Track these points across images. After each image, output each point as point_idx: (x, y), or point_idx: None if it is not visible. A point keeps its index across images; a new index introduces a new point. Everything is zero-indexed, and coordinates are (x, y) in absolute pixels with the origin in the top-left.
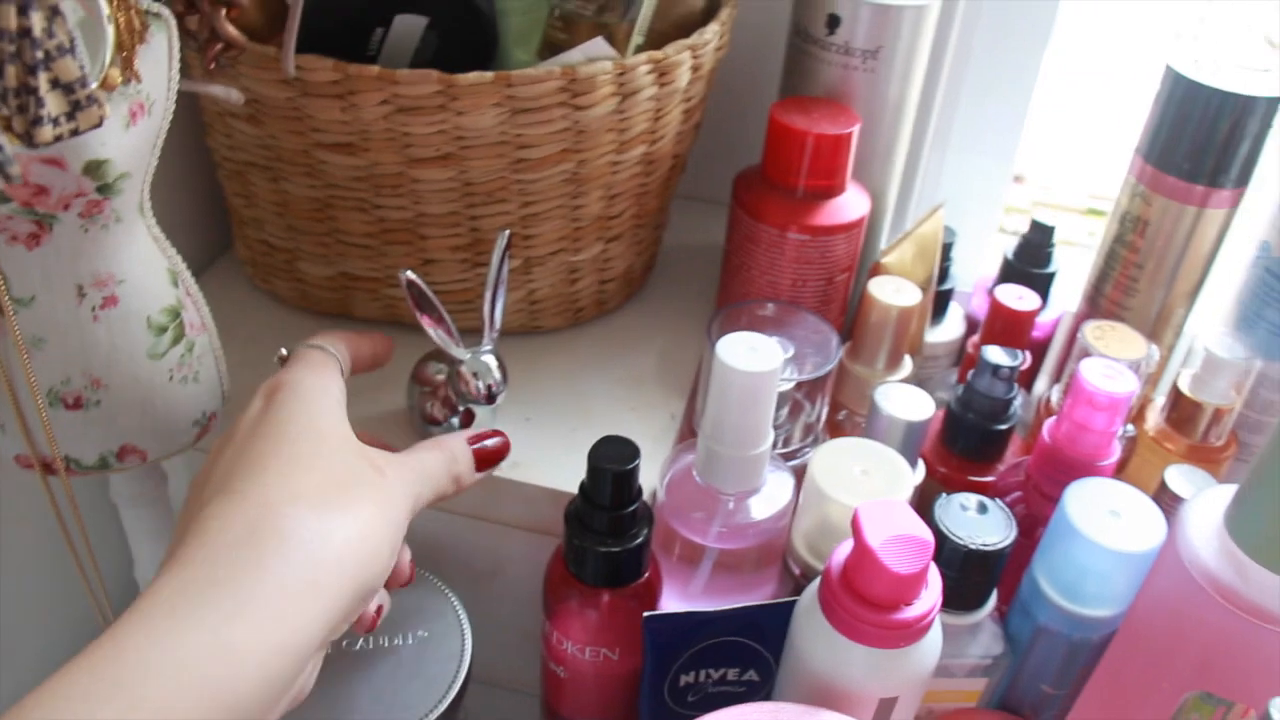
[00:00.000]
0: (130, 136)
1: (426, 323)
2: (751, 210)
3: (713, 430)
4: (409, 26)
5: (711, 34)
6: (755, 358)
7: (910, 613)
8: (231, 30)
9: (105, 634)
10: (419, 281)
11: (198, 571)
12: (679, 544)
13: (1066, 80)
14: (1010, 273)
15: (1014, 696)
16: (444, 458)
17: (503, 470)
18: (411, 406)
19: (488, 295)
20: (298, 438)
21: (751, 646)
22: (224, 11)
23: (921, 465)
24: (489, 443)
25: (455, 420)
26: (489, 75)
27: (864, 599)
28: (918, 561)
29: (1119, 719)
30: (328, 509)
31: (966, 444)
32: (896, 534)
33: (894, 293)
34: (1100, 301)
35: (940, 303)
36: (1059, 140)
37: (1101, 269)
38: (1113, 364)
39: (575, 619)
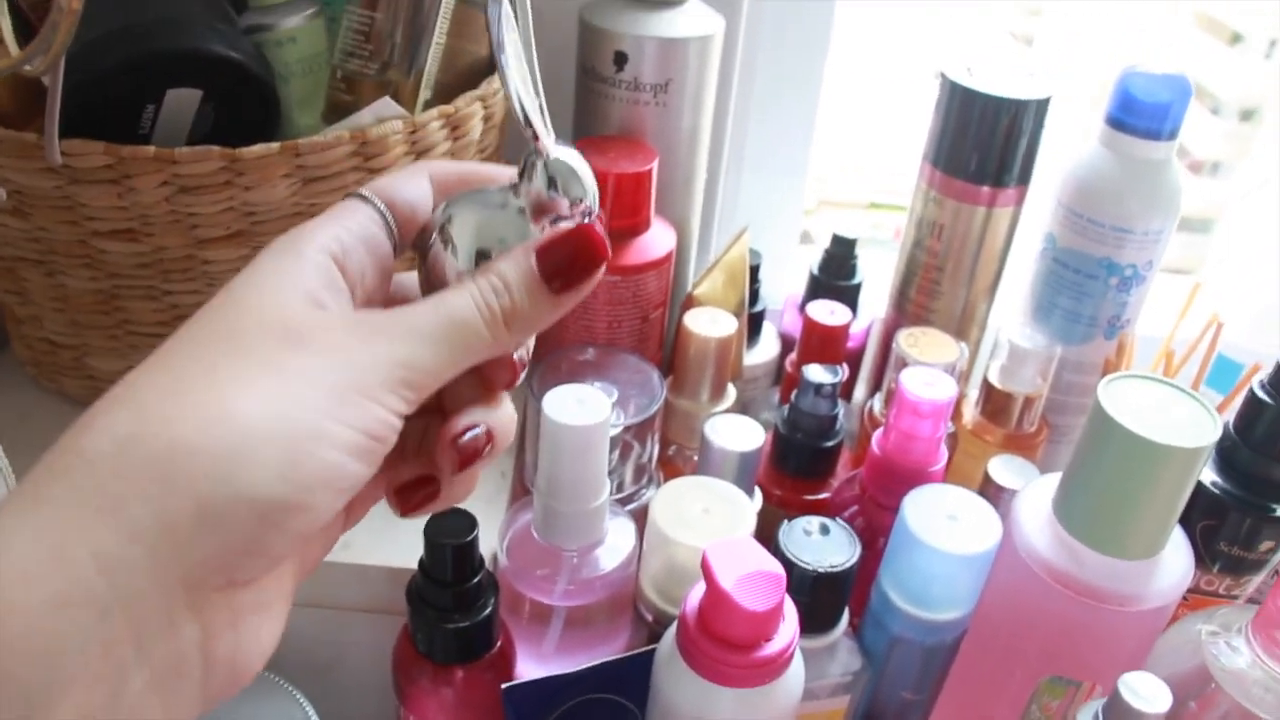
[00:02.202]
0: None
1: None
2: None
3: (548, 487)
4: (183, 101)
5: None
6: (583, 410)
7: (772, 648)
8: None
9: None
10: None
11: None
12: (527, 605)
13: (843, 81)
14: (818, 288)
15: (877, 708)
16: (475, 294)
17: (334, 553)
18: None
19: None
20: (214, 335)
21: (616, 701)
22: None
23: (759, 493)
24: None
25: None
26: (275, 146)
27: (724, 641)
28: (772, 597)
29: (979, 713)
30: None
31: (798, 464)
32: (747, 572)
33: (710, 323)
34: (907, 306)
35: (754, 324)
36: (839, 138)
37: (905, 274)
38: (930, 370)
39: (430, 700)
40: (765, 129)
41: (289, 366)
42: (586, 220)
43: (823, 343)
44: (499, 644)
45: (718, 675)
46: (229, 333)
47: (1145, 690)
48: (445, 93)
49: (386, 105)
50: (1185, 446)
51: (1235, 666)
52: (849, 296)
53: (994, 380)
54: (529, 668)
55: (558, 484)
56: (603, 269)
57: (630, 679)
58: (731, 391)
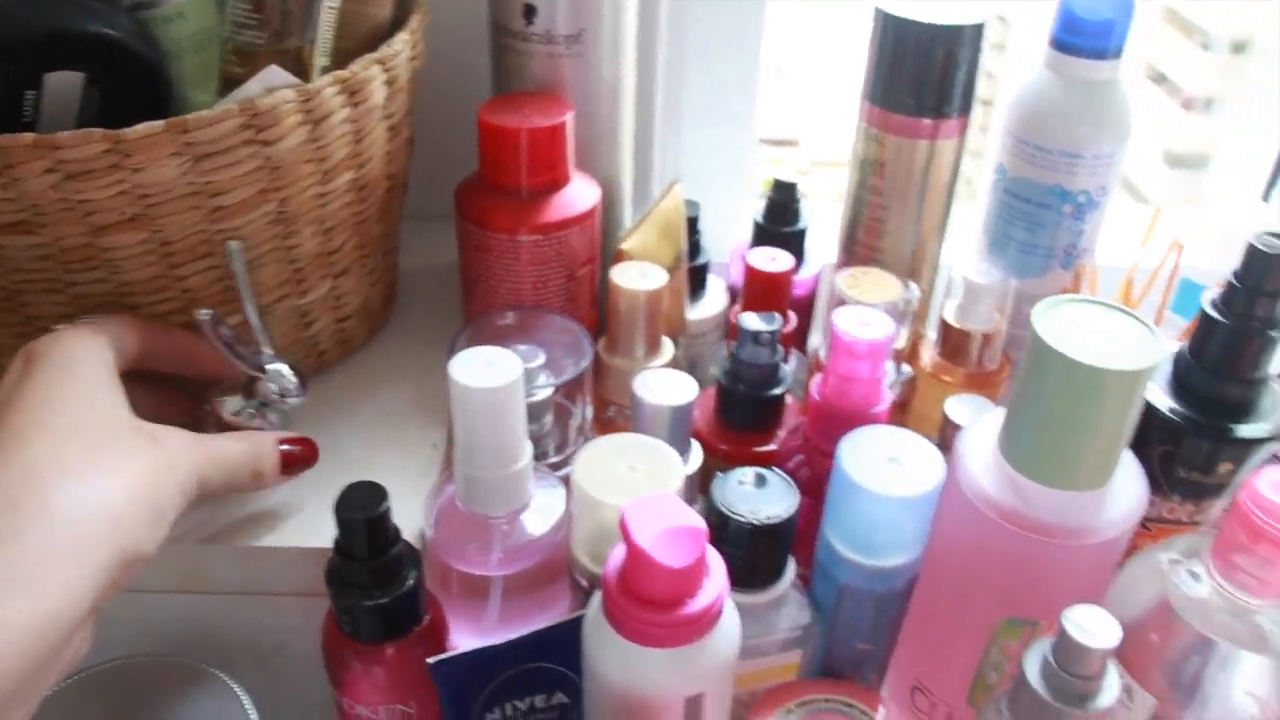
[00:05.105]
0: None
1: (230, 355)
2: (477, 219)
3: (466, 455)
4: (64, 85)
5: (401, 44)
6: (493, 372)
7: (696, 605)
8: None
9: None
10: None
11: None
12: (460, 579)
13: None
14: (763, 236)
15: (832, 660)
16: (247, 450)
17: (261, 537)
18: None
19: (250, 311)
20: (63, 408)
21: (552, 669)
22: None
23: (698, 449)
24: (296, 448)
25: None
26: (160, 124)
27: (646, 601)
28: (692, 553)
29: (937, 660)
30: (93, 473)
31: (742, 416)
32: (666, 528)
33: (639, 277)
34: (855, 249)
35: (697, 278)
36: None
37: (851, 217)
38: (867, 310)
39: (362, 681)
40: (705, 81)
41: None
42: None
43: (766, 290)
44: (428, 618)
45: (643, 636)
46: None
47: (1091, 624)
48: (348, 60)
49: (274, 74)
50: (1125, 369)
51: (1196, 595)
52: (794, 243)
53: (950, 319)
54: (465, 643)
55: (475, 450)
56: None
57: (566, 646)
58: (668, 347)
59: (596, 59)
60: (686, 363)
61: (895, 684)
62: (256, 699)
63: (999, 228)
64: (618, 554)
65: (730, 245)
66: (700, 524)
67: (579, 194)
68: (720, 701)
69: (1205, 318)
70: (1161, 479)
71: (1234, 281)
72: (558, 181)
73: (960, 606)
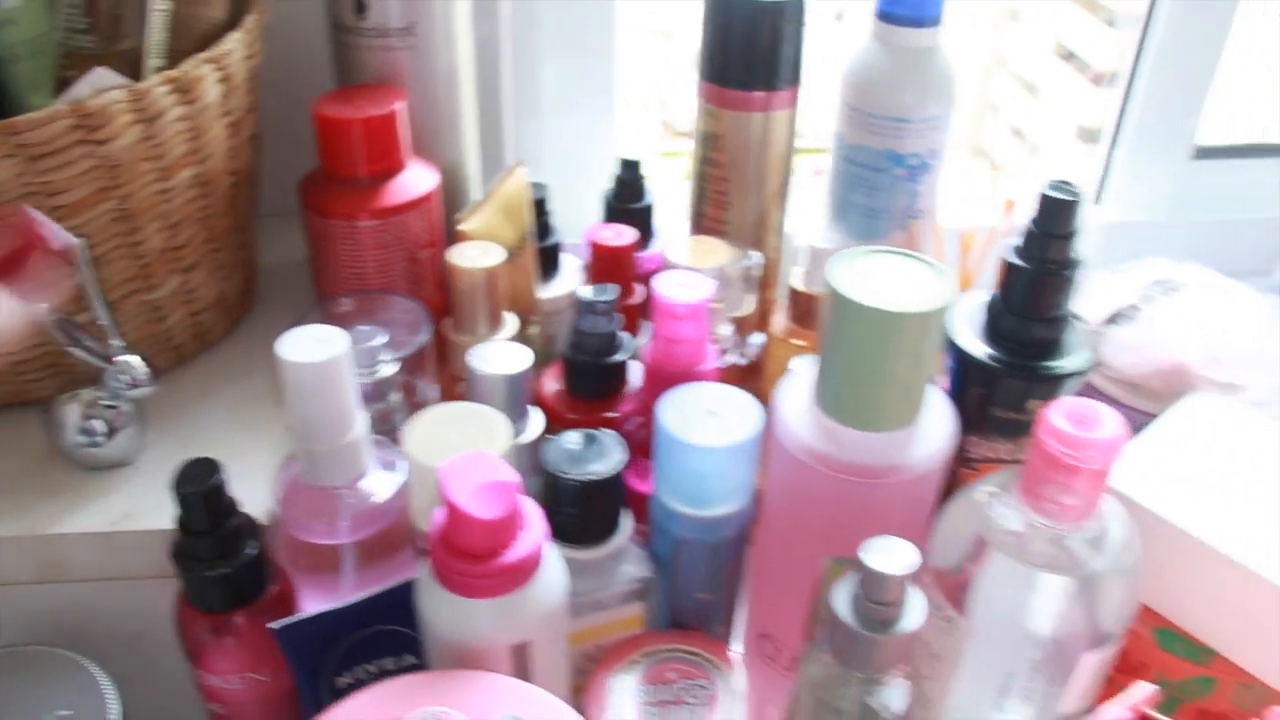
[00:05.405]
0: None
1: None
2: (319, 208)
3: (303, 429)
4: None
5: (235, 43)
6: (320, 348)
7: (512, 555)
8: None
9: None
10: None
11: None
12: (310, 552)
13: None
14: (613, 214)
15: (677, 612)
16: None
17: (118, 523)
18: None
19: (97, 306)
20: None
21: (399, 632)
22: None
23: (539, 416)
24: None
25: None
26: None
27: (465, 554)
28: (504, 505)
29: (778, 607)
30: None
31: (586, 385)
32: (480, 484)
33: (476, 256)
34: (703, 222)
35: (549, 258)
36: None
37: (697, 191)
38: (687, 274)
39: (215, 652)
40: (560, 69)
41: None
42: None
43: (611, 265)
44: (276, 587)
45: (464, 588)
46: None
47: (888, 552)
48: (183, 60)
49: (102, 76)
50: (916, 312)
51: (1010, 526)
52: (642, 219)
53: (797, 284)
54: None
55: (309, 424)
56: None
57: (404, 608)
58: (510, 322)
59: (431, 50)
60: (544, 339)
61: (747, 634)
62: (123, 685)
63: (841, 194)
64: (440, 513)
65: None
66: (513, 478)
67: (416, 180)
68: (550, 650)
69: (1008, 265)
70: (981, 421)
71: (1031, 228)
72: (393, 168)
73: (791, 552)
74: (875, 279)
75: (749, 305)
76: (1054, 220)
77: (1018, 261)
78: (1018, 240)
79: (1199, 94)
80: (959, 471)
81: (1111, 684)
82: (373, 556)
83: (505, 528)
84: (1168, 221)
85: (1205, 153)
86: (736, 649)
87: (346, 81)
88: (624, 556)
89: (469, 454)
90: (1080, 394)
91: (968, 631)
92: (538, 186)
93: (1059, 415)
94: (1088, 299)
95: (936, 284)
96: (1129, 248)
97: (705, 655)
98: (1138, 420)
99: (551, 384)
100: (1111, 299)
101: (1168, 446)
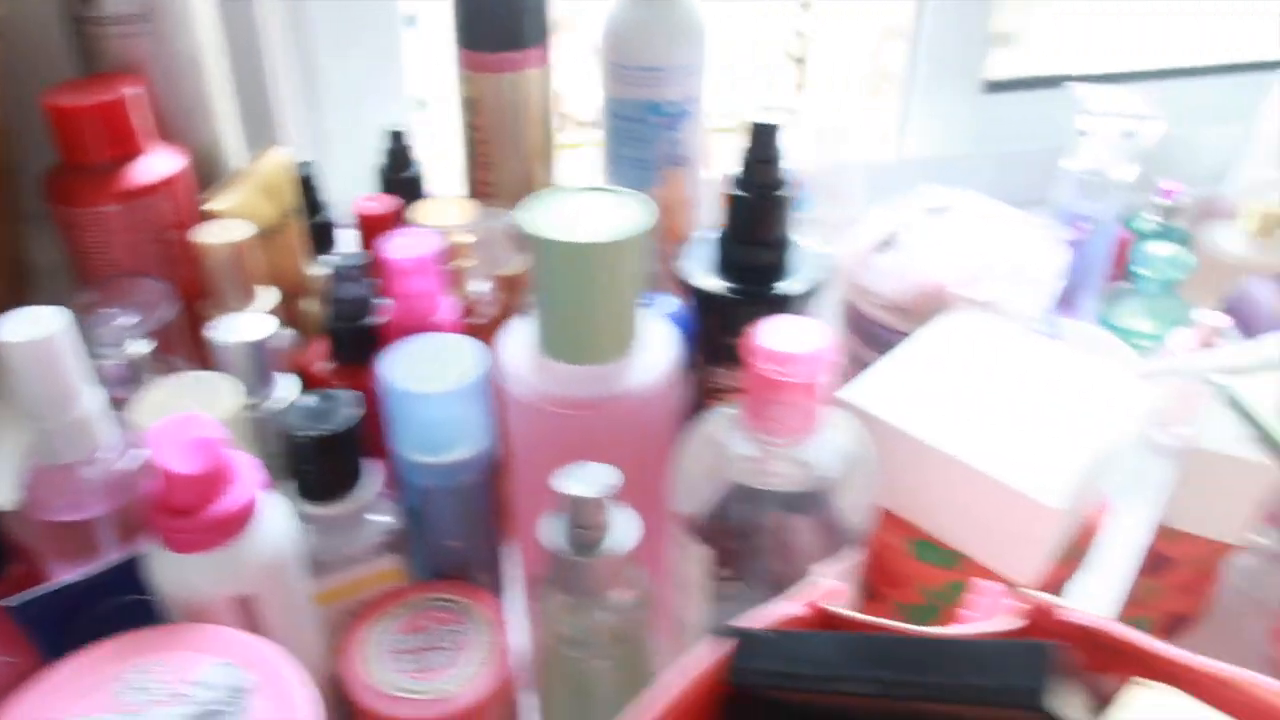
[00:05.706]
0: None
1: None
2: (63, 199)
3: (31, 408)
4: None
5: None
6: (36, 328)
7: (220, 508)
8: None
9: None
10: None
11: None
12: (65, 533)
13: None
14: (388, 185)
15: (436, 562)
16: None
17: None
18: None
19: None
20: None
21: (144, 601)
22: None
23: (291, 382)
24: None
25: None
26: None
27: (176, 510)
28: (208, 459)
29: (539, 547)
30: None
31: (349, 351)
32: (187, 441)
33: (220, 232)
34: (476, 186)
35: (322, 234)
36: None
37: (467, 157)
38: (412, 231)
39: None
40: (339, 49)
41: None
42: None
43: (378, 233)
44: (22, 568)
45: (179, 544)
46: None
47: (582, 476)
48: None
49: None
50: (604, 241)
51: (741, 450)
52: (411, 187)
53: None
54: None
55: (35, 401)
56: None
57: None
58: (264, 296)
59: (169, 35)
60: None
61: (525, 578)
62: None
63: (613, 149)
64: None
65: None
66: (219, 434)
67: (159, 163)
68: (283, 604)
69: (729, 196)
70: (719, 352)
71: (745, 157)
72: (131, 153)
73: (538, 492)
74: (574, 216)
75: (519, 264)
76: (762, 146)
77: (736, 191)
78: (737, 172)
79: (981, 30)
80: (707, 403)
81: (877, 597)
82: (135, 532)
83: (211, 481)
84: (964, 154)
85: (994, 86)
86: (513, 593)
87: (91, 72)
88: (371, 510)
89: (178, 416)
90: (849, 321)
91: (704, 559)
92: (303, 165)
93: (761, 333)
94: (860, 229)
95: (629, 214)
96: (930, 182)
97: (462, 601)
98: None
99: (322, 355)
100: (882, 228)
101: (917, 363)
